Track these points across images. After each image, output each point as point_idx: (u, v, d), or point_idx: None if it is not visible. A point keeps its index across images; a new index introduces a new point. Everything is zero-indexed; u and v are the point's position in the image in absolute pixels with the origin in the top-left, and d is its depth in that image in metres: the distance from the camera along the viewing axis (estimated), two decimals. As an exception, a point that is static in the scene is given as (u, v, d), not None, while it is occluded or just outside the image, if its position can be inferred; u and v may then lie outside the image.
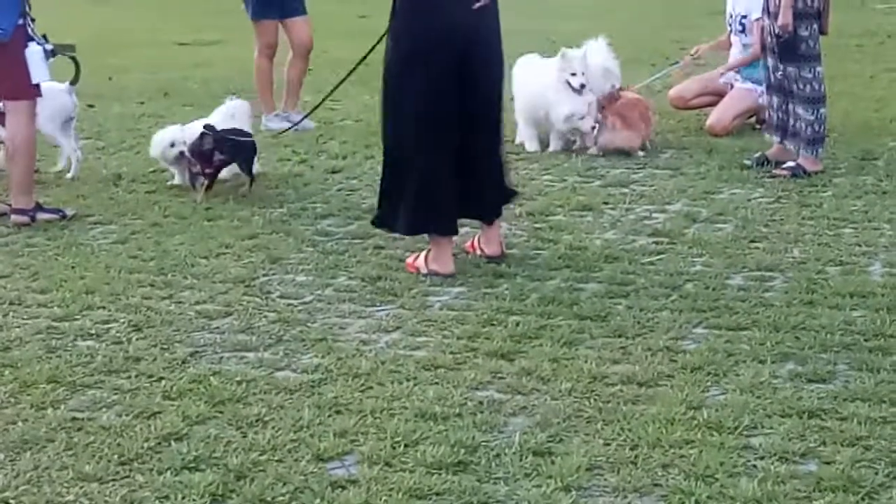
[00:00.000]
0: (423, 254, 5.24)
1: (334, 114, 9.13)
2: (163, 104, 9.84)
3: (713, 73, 8.55)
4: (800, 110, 6.84)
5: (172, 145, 6.76)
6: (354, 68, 5.54)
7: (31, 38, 6.14)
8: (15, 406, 3.87)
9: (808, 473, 3.29)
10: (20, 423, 3.71)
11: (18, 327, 4.64)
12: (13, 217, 6.22)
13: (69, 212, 6.33)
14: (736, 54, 8.35)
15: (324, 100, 6.32)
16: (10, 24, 6.04)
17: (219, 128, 6.65)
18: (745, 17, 8.10)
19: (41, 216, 6.24)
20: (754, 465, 3.34)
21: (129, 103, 10.02)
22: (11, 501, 3.23)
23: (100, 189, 6.96)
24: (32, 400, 3.90)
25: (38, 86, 6.23)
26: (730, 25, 8.33)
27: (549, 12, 15.84)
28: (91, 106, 9.81)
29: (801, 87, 6.82)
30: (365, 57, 5.38)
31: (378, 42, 5.24)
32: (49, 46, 6.20)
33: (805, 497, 3.17)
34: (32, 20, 6.18)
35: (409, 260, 5.28)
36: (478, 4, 5.04)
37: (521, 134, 7.85)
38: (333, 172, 7.27)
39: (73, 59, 6.98)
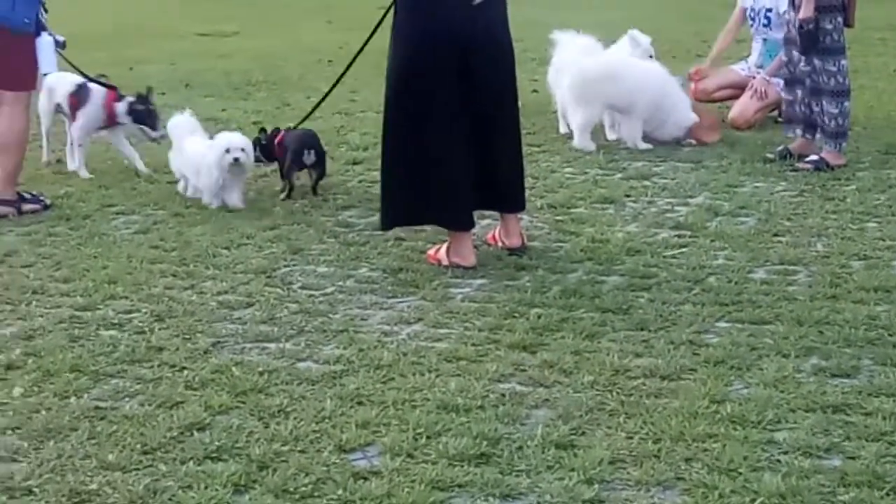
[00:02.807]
0: (444, 246, 5.23)
1: (355, 105, 9.13)
2: (183, 95, 9.84)
3: (735, 67, 8.56)
4: (824, 104, 6.80)
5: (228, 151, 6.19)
6: (345, 70, 5.79)
7: (43, 27, 6.15)
8: (38, 395, 3.88)
9: (833, 468, 3.27)
10: (43, 412, 3.73)
11: (41, 316, 4.65)
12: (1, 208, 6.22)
13: (48, 201, 6.34)
14: (757, 49, 8.35)
15: (320, 102, 6.34)
16: (34, 14, 6.06)
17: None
18: (770, 10, 8.07)
19: (27, 207, 6.24)
20: (778, 460, 3.32)
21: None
22: (35, 490, 3.24)
23: (122, 179, 6.98)
24: (56, 389, 3.91)
25: (35, 78, 6.25)
26: (752, 20, 8.29)
27: (571, 3, 15.81)
28: (113, 96, 9.85)
29: (826, 80, 6.78)
30: (355, 58, 5.46)
31: (370, 36, 5.25)
32: (60, 38, 6.20)
33: (829, 492, 3.14)
34: (45, 10, 6.19)
35: (431, 252, 5.28)
36: (477, 0, 5.01)
37: (629, 131, 7.58)
38: (354, 164, 7.26)
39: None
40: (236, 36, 14.64)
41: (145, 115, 6.94)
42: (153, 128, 6.98)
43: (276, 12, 17.07)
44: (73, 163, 7.16)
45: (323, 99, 6.39)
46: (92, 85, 6.98)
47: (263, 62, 12.05)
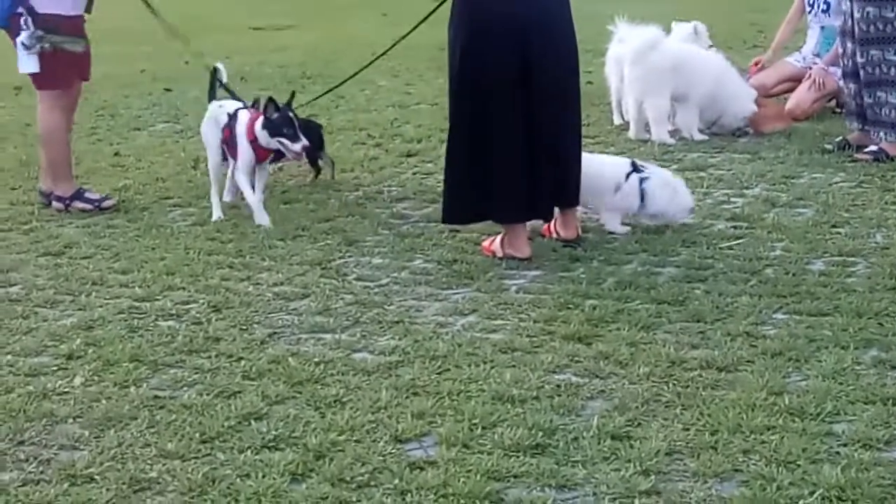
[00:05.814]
0: (498, 237, 5.22)
1: (409, 97, 9.14)
2: (239, 89, 9.89)
3: (790, 59, 8.48)
4: (884, 94, 6.71)
5: None
6: (384, 53, 5.87)
7: (21, 28, 6.00)
8: (99, 384, 3.93)
9: (893, 461, 3.23)
10: (104, 401, 3.78)
11: (101, 307, 4.71)
12: (54, 203, 6.30)
13: (107, 203, 6.25)
14: (814, 36, 8.27)
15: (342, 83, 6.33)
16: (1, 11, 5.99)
17: None
18: (828, -4, 8.01)
19: (76, 205, 6.26)
20: (837, 452, 3.29)
21: (206, 87, 10.09)
22: (96, 477, 3.28)
23: (178, 172, 7.05)
24: (115, 378, 3.96)
25: (52, 76, 6.09)
26: (810, 6, 8.21)
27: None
28: (168, 90, 9.97)
29: (886, 69, 6.68)
30: (393, 45, 5.43)
31: (413, 29, 5.20)
32: (26, 36, 5.95)
33: (890, 484, 3.11)
34: (29, 9, 5.96)
35: (485, 243, 5.28)
36: None
37: (685, 121, 7.52)
38: (409, 156, 7.28)
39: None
40: (291, 29, 14.72)
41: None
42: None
43: (330, 6, 17.15)
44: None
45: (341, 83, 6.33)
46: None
47: (318, 55, 12.11)
